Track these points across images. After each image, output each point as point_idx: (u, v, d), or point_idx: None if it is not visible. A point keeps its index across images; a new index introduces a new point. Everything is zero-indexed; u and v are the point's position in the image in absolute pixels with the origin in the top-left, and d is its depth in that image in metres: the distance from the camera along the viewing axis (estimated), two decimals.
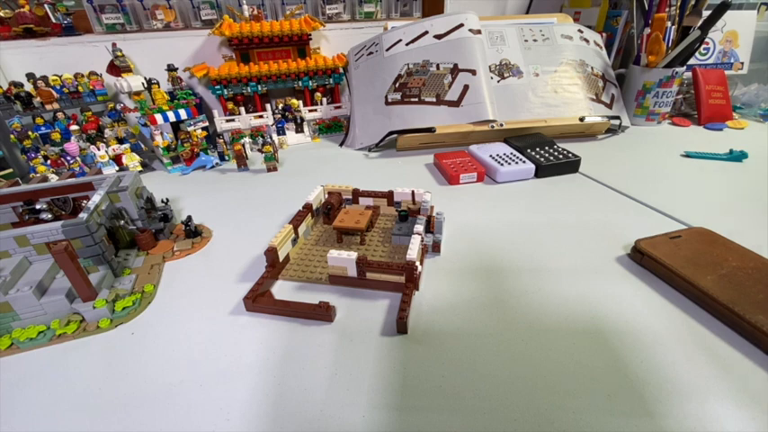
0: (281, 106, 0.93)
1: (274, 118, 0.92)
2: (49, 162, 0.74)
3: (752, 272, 0.40)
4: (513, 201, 0.62)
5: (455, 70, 0.83)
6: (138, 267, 0.49)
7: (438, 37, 0.85)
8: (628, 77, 0.96)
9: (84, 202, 0.53)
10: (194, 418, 0.30)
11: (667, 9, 0.88)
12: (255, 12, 0.92)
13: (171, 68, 0.88)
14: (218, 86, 0.91)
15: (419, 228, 0.46)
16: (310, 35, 0.94)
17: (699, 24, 0.82)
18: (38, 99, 0.79)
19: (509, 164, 0.69)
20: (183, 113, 0.81)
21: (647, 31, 0.89)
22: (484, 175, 0.69)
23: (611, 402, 0.30)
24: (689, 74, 0.98)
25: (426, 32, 0.86)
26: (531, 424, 0.29)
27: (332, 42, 1.03)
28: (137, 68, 0.91)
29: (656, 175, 0.69)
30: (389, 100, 0.85)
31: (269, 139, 0.78)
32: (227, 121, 0.90)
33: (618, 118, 0.86)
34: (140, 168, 0.79)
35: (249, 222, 0.59)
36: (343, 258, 0.42)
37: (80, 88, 0.83)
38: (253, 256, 0.50)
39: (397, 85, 0.85)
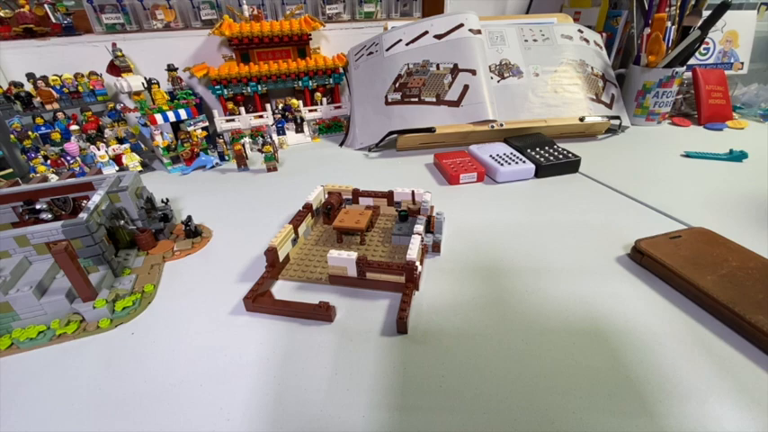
0: (281, 106, 0.93)
1: (274, 118, 0.92)
2: (49, 162, 0.74)
3: (752, 272, 0.40)
4: (514, 201, 0.61)
5: (455, 70, 0.83)
6: (138, 267, 0.49)
7: (438, 37, 0.85)
8: (628, 77, 0.96)
9: (84, 202, 0.53)
10: (194, 418, 0.30)
11: (667, 9, 0.88)
12: (255, 12, 0.92)
13: (171, 68, 0.88)
14: (218, 86, 0.91)
15: (419, 228, 0.46)
16: (310, 35, 0.94)
17: (699, 24, 0.82)
18: (38, 99, 0.79)
19: (509, 164, 0.69)
20: (183, 113, 0.81)
21: (647, 31, 0.89)
22: (484, 175, 0.69)
23: (611, 402, 0.30)
24: (689, 74, 0.98)
25: (426, 32, 0.86)
26: (531, 424, 0.29)
27: (332, 42, 1.03)
28: (137, 68, 0.91)
29: (656, 175, 0.68)
30: (389, 100, 0.85)
31: (269, 139, 0.77)
32: (227, 121, 0.90)
33: (618, 118, 0.86)
34: (140, 168, 0.79)
35: (249, 222, 0.59)
36: (343, 258, 0.42)
37: (80, 88, 0.83)
38: (253, 256, 0.50)
39: (397, 85, 0.85)
